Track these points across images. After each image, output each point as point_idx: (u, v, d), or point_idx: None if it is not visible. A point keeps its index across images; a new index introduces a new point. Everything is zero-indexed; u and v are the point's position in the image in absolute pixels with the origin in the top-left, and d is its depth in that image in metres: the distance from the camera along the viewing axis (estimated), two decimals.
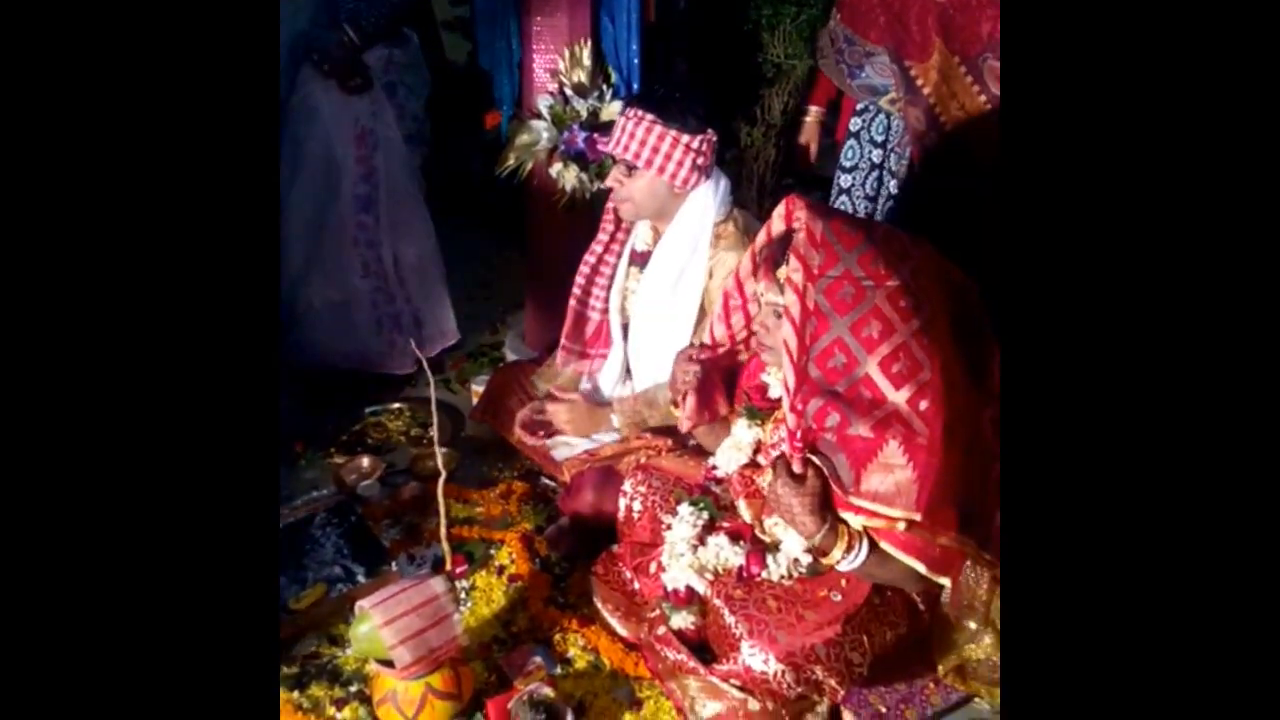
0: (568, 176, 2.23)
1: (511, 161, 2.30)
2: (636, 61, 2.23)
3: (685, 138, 1.76)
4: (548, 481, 2.18)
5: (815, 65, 2.61)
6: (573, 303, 2.06)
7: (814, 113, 2.29)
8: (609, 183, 1.87)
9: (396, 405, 2.55)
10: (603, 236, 2.01)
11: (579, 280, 2.03)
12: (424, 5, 2.61)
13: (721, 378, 1.69)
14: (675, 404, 1.69)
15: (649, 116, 1.75)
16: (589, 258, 2.02)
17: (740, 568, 1.51)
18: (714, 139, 1.81)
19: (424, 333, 2.62)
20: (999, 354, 1.45)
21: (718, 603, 1.48)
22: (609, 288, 2.03)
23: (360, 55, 2.31)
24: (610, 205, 1.98)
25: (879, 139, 2.15)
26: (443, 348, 2.69)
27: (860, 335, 1.34)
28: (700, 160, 1.79)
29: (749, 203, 2.83)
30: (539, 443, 2.01)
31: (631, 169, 1.79)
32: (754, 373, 1.67)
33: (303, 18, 2.32)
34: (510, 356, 2.68)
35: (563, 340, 2.08)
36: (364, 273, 2.49)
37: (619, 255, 2.01)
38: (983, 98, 1.88)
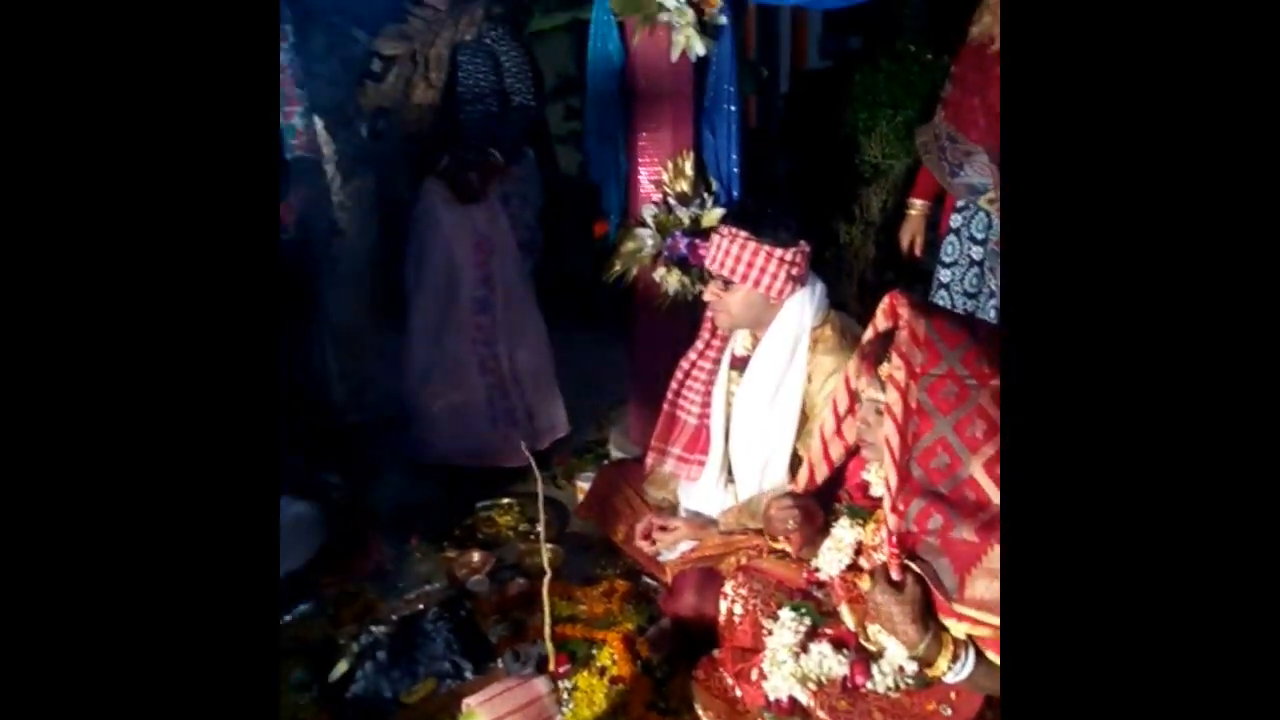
0: (670, 281, 2.31)
1: (618, 267, 2.40)
2: (736, 170, 2.32)
3: (779, 251, 1.80)
4: (649, 581, 2.18)
5: (913, 164, 2.65)
6: (665, 405, 2.10)
7: (918, 206, 2.30)
8: (706, 297, 1.93)
9: (506, 500, 2.63)
10: (699, 344, 2.06)
11: (673, 384, 2.08)
12: (541, 122, 2.81)
13: (822, 499, 1.69)
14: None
15: (742, 233, 1.81)
16: (684, 363, 2.07)
17: (844, 677, 1.46)
18: (808, 250, 1.85)
19: (536, 426, 2.73)
20: None
21: (822, 715, 1.43)
22: (704, 392, 2.05)
23: (497, 174, 2.52)
24: (709, 314, 2.04)
25: (979, 236, 2.14)
26: (554, 440, 2.78)
27: (964, 435, 1.31)
28: (794, 271, 1.82)
29: (848, 300, 2.84)
30: (654, 550, 2.02)
31: (728, 283, 1.84)
32: (855, 470, 1.65)
33: (427, 132, 2.55)
34: (615, 453, 2.73)
35: (653, 440, 2.11)
36: (481, 371, 2.64)
37: (716, 360, 2.04)
38: None
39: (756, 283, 1.81)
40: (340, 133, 2.81)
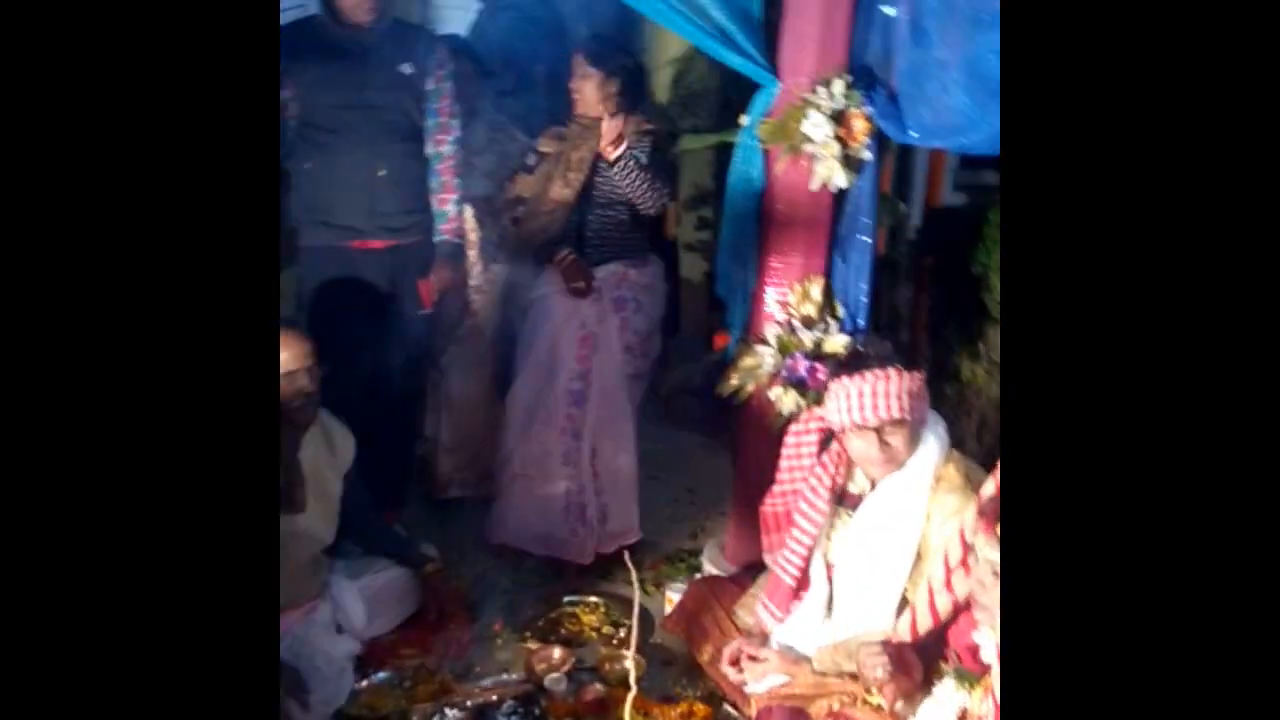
0: (786, 401, 2.30)
1: (735, 381, 2.41)
2: (865, 300, 2.32)
3: (917, 374, 1.79)
4: (731, 710, 2.10)
5: None
6: (789, 580, 1.96)
7: None
8: (866, 454, 1.79)
9: (593, 599, 2.61)
10: (817, 502, 1.93)
11: (793, 558, 1.94)
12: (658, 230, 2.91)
13: (926, 653, 1.61)
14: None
15: (889, 371, 1.75)
16: (806, 529, 1.93)
17: None
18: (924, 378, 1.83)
19: (608, 528, 2.72)
20: None
21: None
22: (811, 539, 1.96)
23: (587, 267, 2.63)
24: (798, 466, 1.99)
25: None
26: (621, 545, 2.73)
27: None
28: (927, 400, 1.81)
29: (966, 438, 2.75)
30: (741, 680, 1.95)
31: (899, 422, 1.75)
32: (966, 629, 1.57)
33: (555, 227, 2.68)
34: (708, 567, 2.69)
35: (772, 606, 1.99)
36: (564, 460, 2.66)
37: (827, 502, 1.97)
38: None
39: (915, 412, 1.77)
40: (487, 221, 2.99)
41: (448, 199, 2.69)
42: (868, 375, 1.76)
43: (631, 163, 2.59)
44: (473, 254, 2.94)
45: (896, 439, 1.77)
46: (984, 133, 1.89)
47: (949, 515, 1.71)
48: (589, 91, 2.64)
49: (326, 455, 2.19)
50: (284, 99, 2.48)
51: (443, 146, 2.66)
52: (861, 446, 1.80)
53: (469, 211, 2.85)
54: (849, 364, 1.87)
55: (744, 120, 2.42)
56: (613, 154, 2.59)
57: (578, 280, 2.64)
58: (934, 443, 1.80)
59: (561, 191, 2.67)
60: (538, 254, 2.77)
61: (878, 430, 1.76)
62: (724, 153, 3.61)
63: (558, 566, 2.70)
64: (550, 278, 2.71)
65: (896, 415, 1.74)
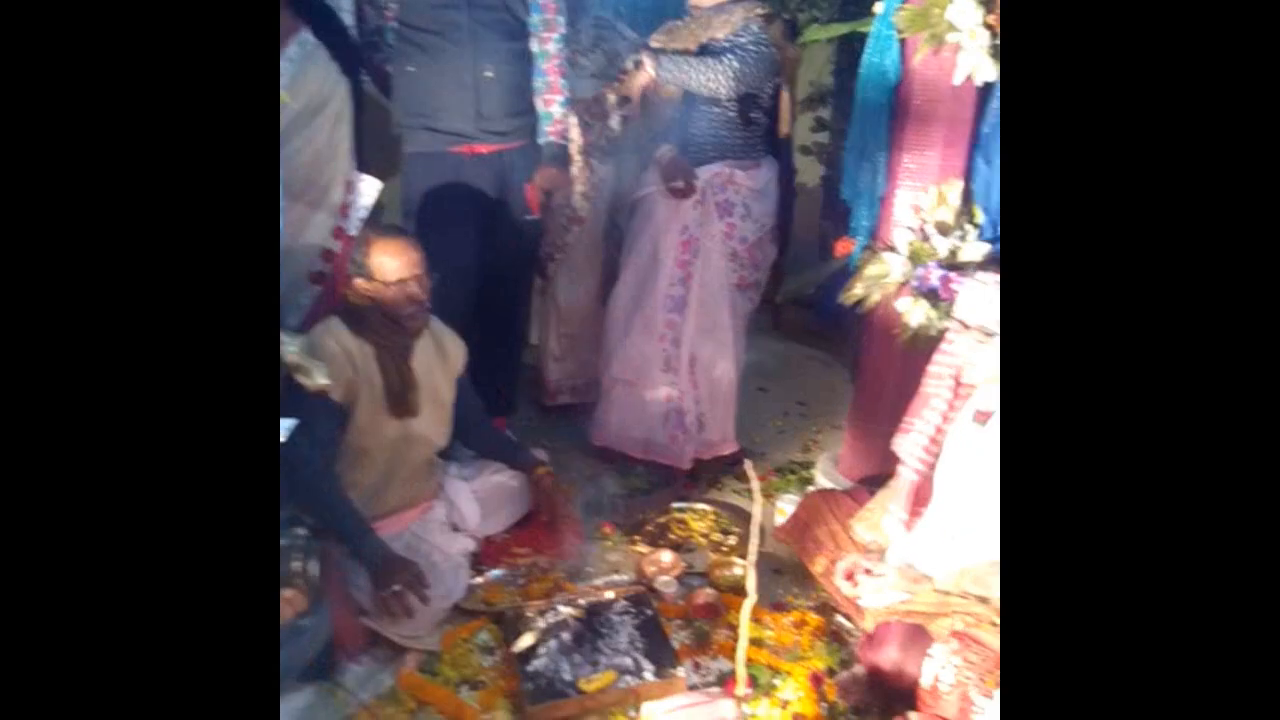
0: (915, 313, 2.18)
1: (859, 290, 2.30)
2: None
3: None
4: (844, 621, 2.08)
5: None
6: (912, 475, 1.94)
7: None
8: (954, 349, 1.77)
9: (702, 505, 2.61)
10: (938, 404, 1.89)
11: (917, 451, 1.92)
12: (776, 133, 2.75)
13: None
14: None
15: None
16: (926, 428, 1.91)
17: None
18: None
19: (705, 436, 2.69)
20: None
21: None
22: (938, 445, 1.91)
23: (689, 166, 2.52)
24: (941, 372, 1.89)
25: None
26: (718, 455, 2.72)
27: None
28: None
29: None
30: (855, 593, 1.92)
31: (990, 334, 1.71)
32: None
33: (659, 127, 2.58)
34: (820, 479, 2.64)
35: (898, 509, 1.96)
36: (664, 367, 2.63)
37: (956, 411, 1.90)
38: None
39: None
40: (595, 123, 2.89)
41: (553, 99, 2.60)
42: (994, 277, 1.70)
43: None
44: (579, 158, 2.87)
45: (992, 352, 1.70)
46: None
47: None
48: None
49: (438, 362, 2.22)
50: (383, 0, 2.42)
51: (548, 44, 2.56)
52: (960, 343, 1.79)
53: (574, 114, 2.76)
54: (991, 263, 1.77)
55: (879, 8, 2.23)
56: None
57: (677, 179, 2.52)
58: None
59: (665, 89, 2.54)
60: (642, 153, 2.67)
61: (983, 332, 1.72)
62: (844, 49, 3.38)
63: (666, 473, 2.71)
64: (653, 177, 2.62)
65: (991, 326, 1.69)
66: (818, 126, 3.79)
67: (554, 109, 2.61)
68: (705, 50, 2.50)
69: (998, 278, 1.71)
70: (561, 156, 2.67)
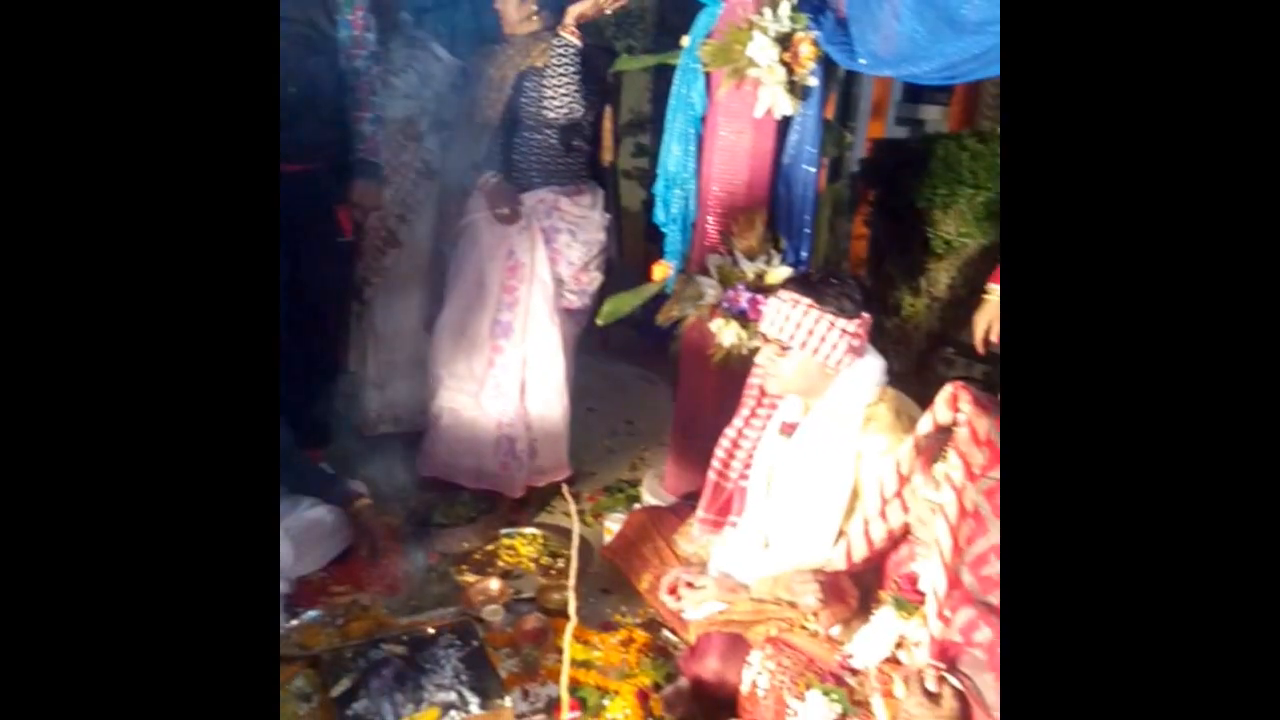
0: (727, 333, 2.28)
1: (675, 312, 2.38)
2: (808, 231, 2.30)
3: (841, 321, 1.77)
4: (670, 636, 2.13)
5: (988, 246, 2.60)
6: (713, 475, 2.05)
7: (994, 292, 2.18)
8: (759, 360, 1.89)
9: (530, 530, 2.60)
10: (744, 411, 2.01)
11: (720, 453, 2.03)
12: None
13: (854, 573, 1.64)
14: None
15: (806, 299, 1.79)
16: (730, 431, 2.02)
17: None
18: (869, 321, 1.81)
19: (536, 463, 2.69)
20: None
21: None
22: (747, 455, 2.01)
23: (515, 194, 2.54)
24: (753, 381, 2.00)
25: None
26: (551, 481, 2.72)
27: None
28: (854, 342, 1.79)
29: (906, 372, 2.79)
30: (677, 607, 1.97)
31: (785, 348, 1.81)
32: (905, 560, 1.60)
33: (482, 152, 2.57)
34: (647, 497, 2.69)
35: (701, 511, 2.05)
36: (494, 394, 2.61)
37: (761, 429, 2.00)
38: None
39: (815, 350, 1.78)
40: (409, 145, 2.84)
41: (363, 117, 2.53)
42: (793, 296, 1.80)
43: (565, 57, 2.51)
44: (394, 178, 2.80)
45: (790, 362, 1.81)
46: (935, 62, 1.85)
47: (879, 454, 1.73)
48: (509, 9, 2.51)
49: None
50: None
51: (357, 61, 2.49)
52: (761, 352, 1.88)
53: (383, 134, 2.69)
54: (802, 281, 1.87)
55: (685, 41, 2.33)
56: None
57: (502, 206, 2.52)
58: (865, 380, 1.81)
59: (486, 113, 2.54)
60: (465, 179, 2.65)
61: (774, 343, 1.82)
62: (662, 77, 3.50)
63: (493, 499, 2.68)
64: (477, 203, 2.60)
65: (791, 342, 1.79)
66: (638, 152, 3.89)
67: (364, 126, 2.54)
68: (524, 78, 2.51)
69: (797, 296, 1.82)
70: (374, 173, 2.60)
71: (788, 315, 1.80)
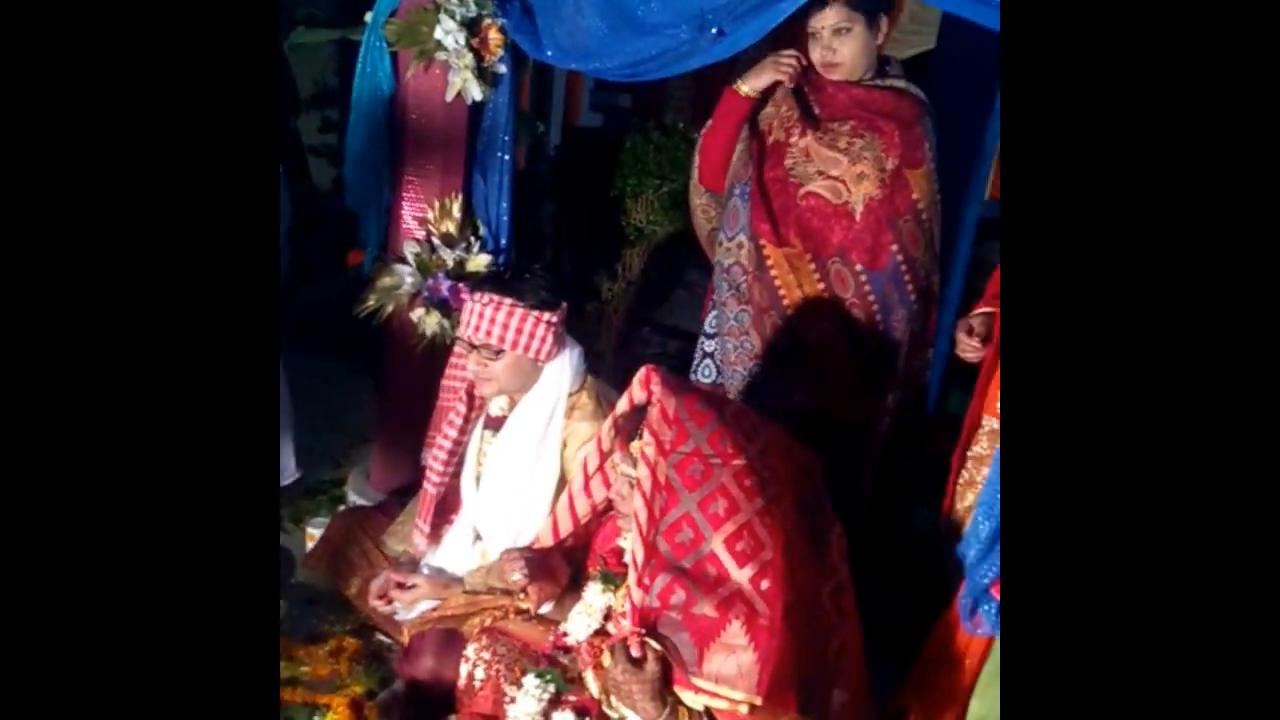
0: (429, 323, 2.23)
1: (372, 303, 2.28)
2: (506, 218, 2.30)
3: (545, 314, 1.80)
4: (383, 639, 2.06)
5: (675, 231, 2.79)
6: (431, 489, 1.98)
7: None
8: (470, 369, 1.86)
9: None
10: (455, 419, 1.96)
11: (435, 465, 1.97)
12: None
13: (564, 552, 1.70)
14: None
15: (507, 299, 1.79)
16: (444, 442, 1.97)
17: None
18: (567, 309, 1.87)
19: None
20: (838, 528, 1.54)
21: None
22: (462, 460, 1.99)
23: None
24: (453, 385, 1.98)
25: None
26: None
27: (707, 512, 1.38)
28: (558, 332, 1.84)
29: (606, 352, 2.92)
30: (390, 610, 1.91)
31: (498, 352, 1.80)
32: (610, 536, 1.68)
33: None
34: (352, 497, 2.57)
35: (420, 522, 1.98)
36: None
37: (469, 429, 1.98)
38: (826, 295, 2.04)
39: (526, 348, 1.80)
40: None
41: None
42: (492, 298, 1.80)
43: None
44: None
45: (502, 364, 1.82)
46: (618, 59, 1.91)
47: (583, 441, 1.80)
48: None
49: None
50: None
51: None
52: (470, 361, 1.86)
53: None
54: (496, 280, 1.86)
55: (368, 18, 2.21)
56: None
57: None
58: (568, 371, 1.86)
59: None
60: None
61: (482, 349, 1.82)
62: (346, 49, 3.31)
63: None
64: None
65: (503, 345, 1.79)
66: (325, 127, 3.65)
67: None
68: None
69: (497, 297, 1.80)
70: None
71: (492, 318, 1.79)
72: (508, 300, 1.79)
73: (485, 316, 1.79)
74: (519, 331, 1.79)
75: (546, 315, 1.80)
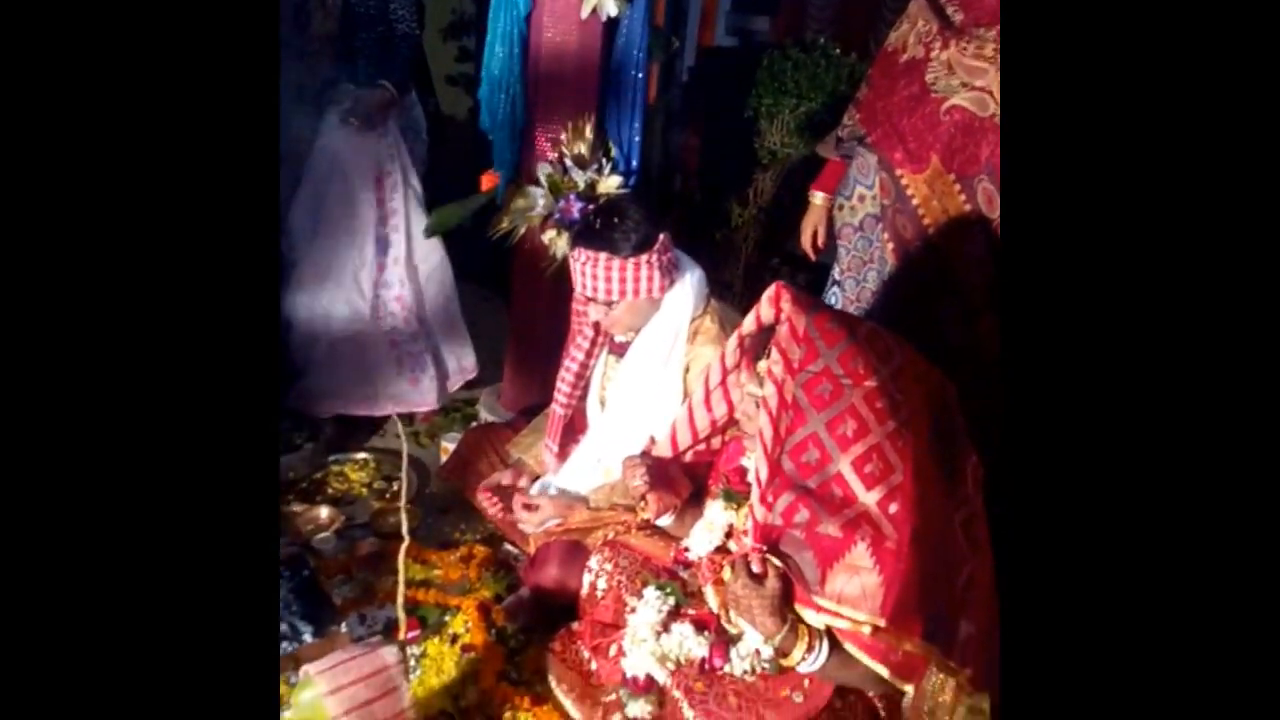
0: (559, 244, 2.25)
1: (506, 224, 2.31)
2: (638, 139, 2.27)
3: (643, 256, 1.77)
4: (510, 549, 2.14)
5: (811, 155, 2.67)
6: (558, 410, 2.02)
7: (820, 199, 2.16)
8: (594, 317, 1.87)
9: (361, 455, 2.52)
10: (582, 343, 1.99)
11: (563, 388, 2.00)
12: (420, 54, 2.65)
13: (683, 466, 1.69)
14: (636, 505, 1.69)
15: (602, 256, 1.76)
16: (571, 364, 1.99)
17: (703, 659, 1.48)
18: (668, 239, 1.82)
19: (443, 370, 2.65)
20: (974, 457, 1.46)
21: (677, 694, 1.44)
22: (587, 384, 2.01)
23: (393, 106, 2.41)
24: (580, 309, 1.98)
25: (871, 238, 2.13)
26: (463, 383, 2.72)
27: (835, 433, 1.33)
28: (664, 262, 1.80)
29: (734, 280, 2.86)
30: (498, 511, 1.97)
31: (611, 303, 1.80)
32: (734, 455, 1.66)
33: (323, 69, 2.38)
34: (484, 415, 2.66)
35: (549, 442, 2.03)
36: (382, 314, 2.51)
37: (595, 355, 2.00)
38: (973, 216, 1.91)
39: (636, 293, 1.79)
40: None
41: None
42: (588, 255, 1.78)
43: None
44: None
45: (620, 309, 1.81)
46: None
47: (706, 365, 1.77)
48: None
49: None
50: None
51: None
52: (591, 310, 1.86)
53: None
54: (587, 235, 1.82)
55: None
56: None
57: (370, 114, 2.37)
58: (689, 295, 1.83)
59: (324, 23, 2.32)
60: (313, 102, 2.41)
61: (605, 304, 1.81)
62: None
63: (314, 427, 2.55)
64: (332, 123, 2.39)
65: (611, 298, 1.79)
66: (462, 56, 3.70)
67: None
68: None
69: (592, 254, 1.77)
70: None
71: (594, 274, 1.78)
72: (603, 255, 1.76)
73: (587, 274, 1.79)
74: (623, 281, 1.77)
75: (644, 257, 1.77)
